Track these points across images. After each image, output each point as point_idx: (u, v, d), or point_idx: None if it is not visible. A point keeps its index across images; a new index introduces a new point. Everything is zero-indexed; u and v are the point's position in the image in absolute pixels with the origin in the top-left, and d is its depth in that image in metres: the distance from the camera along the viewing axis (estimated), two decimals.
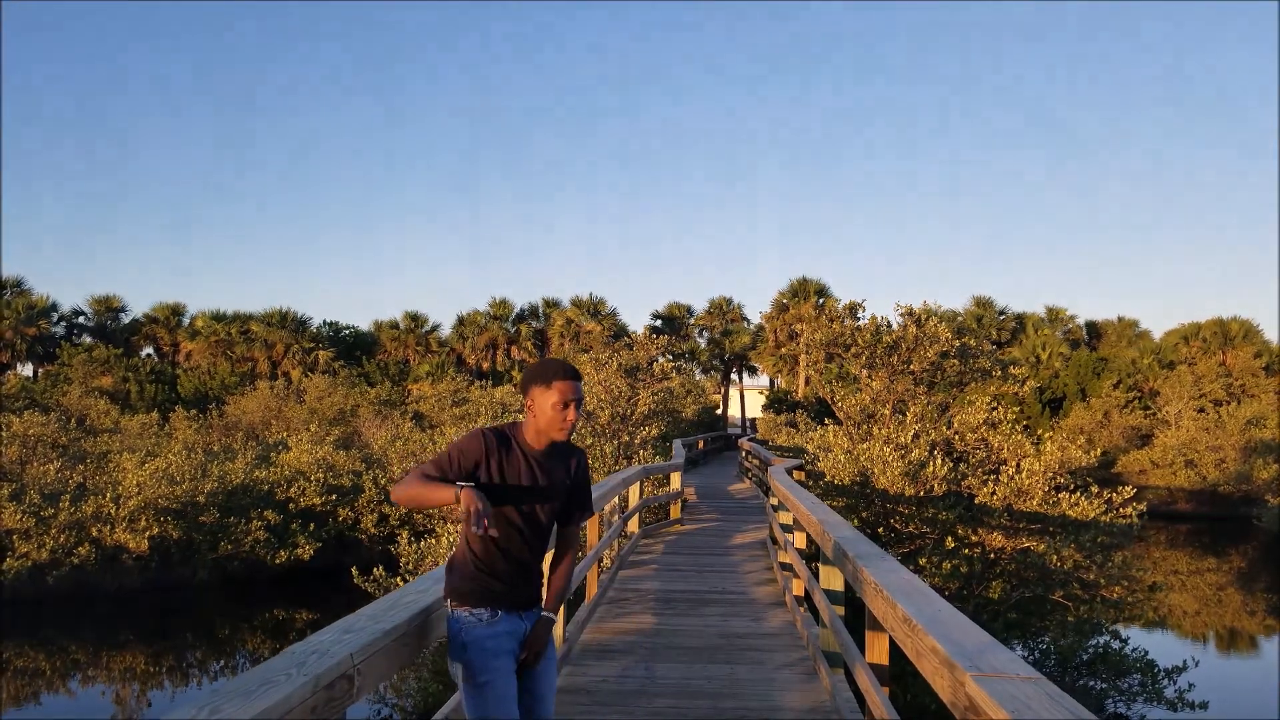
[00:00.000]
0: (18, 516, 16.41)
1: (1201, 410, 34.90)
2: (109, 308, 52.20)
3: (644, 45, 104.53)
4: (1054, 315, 57.06)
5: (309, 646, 2.36)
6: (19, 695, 12.68)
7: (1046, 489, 11.26)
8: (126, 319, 52.68)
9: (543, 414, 2.99)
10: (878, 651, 4.25)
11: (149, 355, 51.25)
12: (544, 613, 3.14)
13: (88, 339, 49.91)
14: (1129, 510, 11.32)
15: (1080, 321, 58.66)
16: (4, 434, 20.91)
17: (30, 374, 48.13)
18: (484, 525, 2.69)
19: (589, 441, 16.76)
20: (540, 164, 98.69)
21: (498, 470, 2.95)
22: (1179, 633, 16.72)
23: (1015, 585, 10.82)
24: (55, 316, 50.32)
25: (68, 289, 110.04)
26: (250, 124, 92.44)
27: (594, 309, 55.84)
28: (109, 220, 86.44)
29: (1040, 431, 13.72)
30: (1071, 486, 11.54)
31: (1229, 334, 47.81)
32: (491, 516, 2.77)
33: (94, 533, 17.11)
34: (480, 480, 2.93)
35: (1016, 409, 14.25)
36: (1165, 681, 9.74)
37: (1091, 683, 10.03)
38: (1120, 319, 58.68)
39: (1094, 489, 11.56)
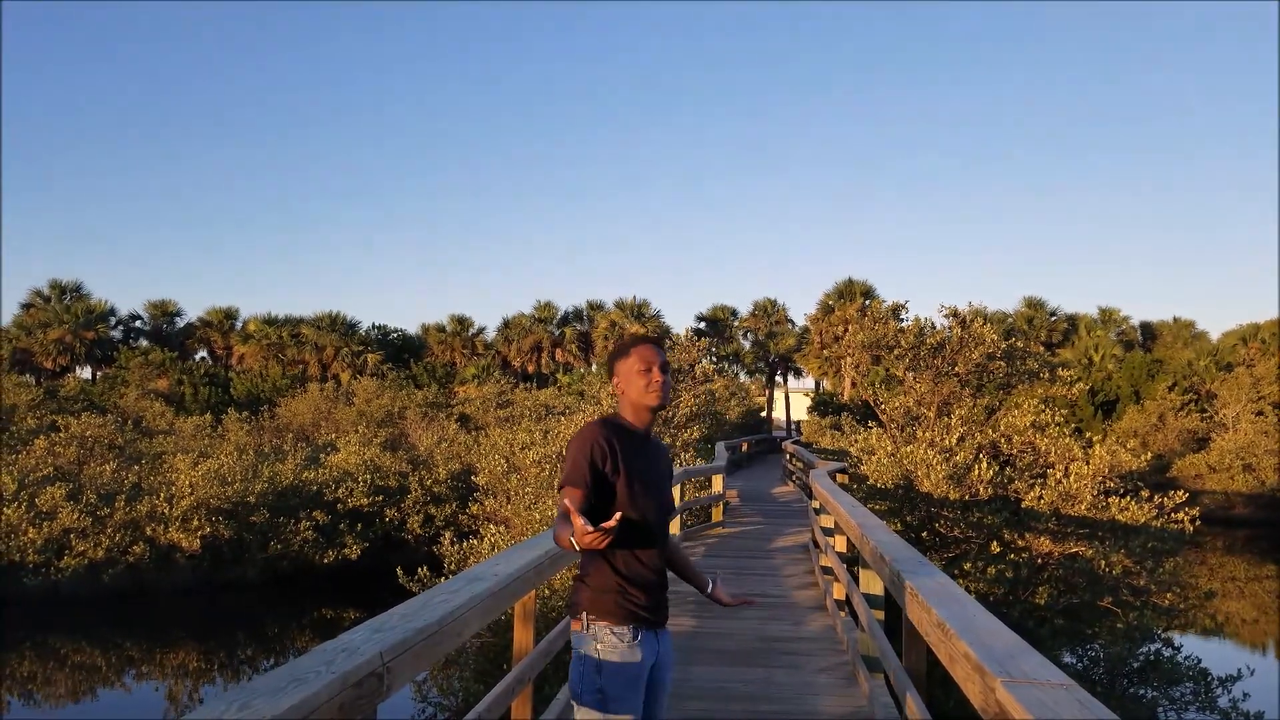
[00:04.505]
0: (75, 516, 16.84)
1: (1260, 413, 33.96)
2: (164, 312, 53.40)
3: (690, 46, 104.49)
4: (1107, 316, 56.01)
5: (339, 644, 2.39)
6: (76, 690, 13.01)
7: (1095, 493, 11.05)
8: (181, 323, 53.89)
9: (631, 384, 2.81)
10: (915, 656, 4.21)
11: (203, 358, 52.35)
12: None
13: (144, 342, 51.10)
14: (1182, 515, 11.06)
15: (1134, 323, 57.59)
16: (63, 435, 21.48)
17: (89, 376, 49.42)
18: (591, 534, 2.29)
19: None
20: (585, 166, 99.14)
21: (623, 460, 2.70)
22: (1236, 641, 16.32)
23: (1063, 591, 10.62)
24: (113, 320, 51.59)
25: (125, 293, 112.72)
26: (297, 129, 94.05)
27: (638, 311, 55.92)
28: (165, 225, 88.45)
29: (1091, 435, 13.46)
30: (1121, 491, 11.31)
31: None
32: (586, 526, 2.34)
33: (148, 532, 17.50)
34: (609, 478, 2.68)
35: (1067, 411, 14.00)
36: (1219, 690, 9.51)
37: (1142, 691, 9.82)
38: (1176, 320, 57.51)
39: (1145, 493, 11.31)
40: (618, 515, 2.34)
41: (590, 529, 2.28)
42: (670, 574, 3.14)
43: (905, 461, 12.17)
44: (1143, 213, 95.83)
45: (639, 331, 53.05)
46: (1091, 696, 2.21)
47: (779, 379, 59.48)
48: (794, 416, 60.08)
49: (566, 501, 2.41)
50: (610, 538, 2.32)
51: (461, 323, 56.70)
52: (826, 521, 9.21)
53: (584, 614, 2.72)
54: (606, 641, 2.67)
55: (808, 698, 5.66)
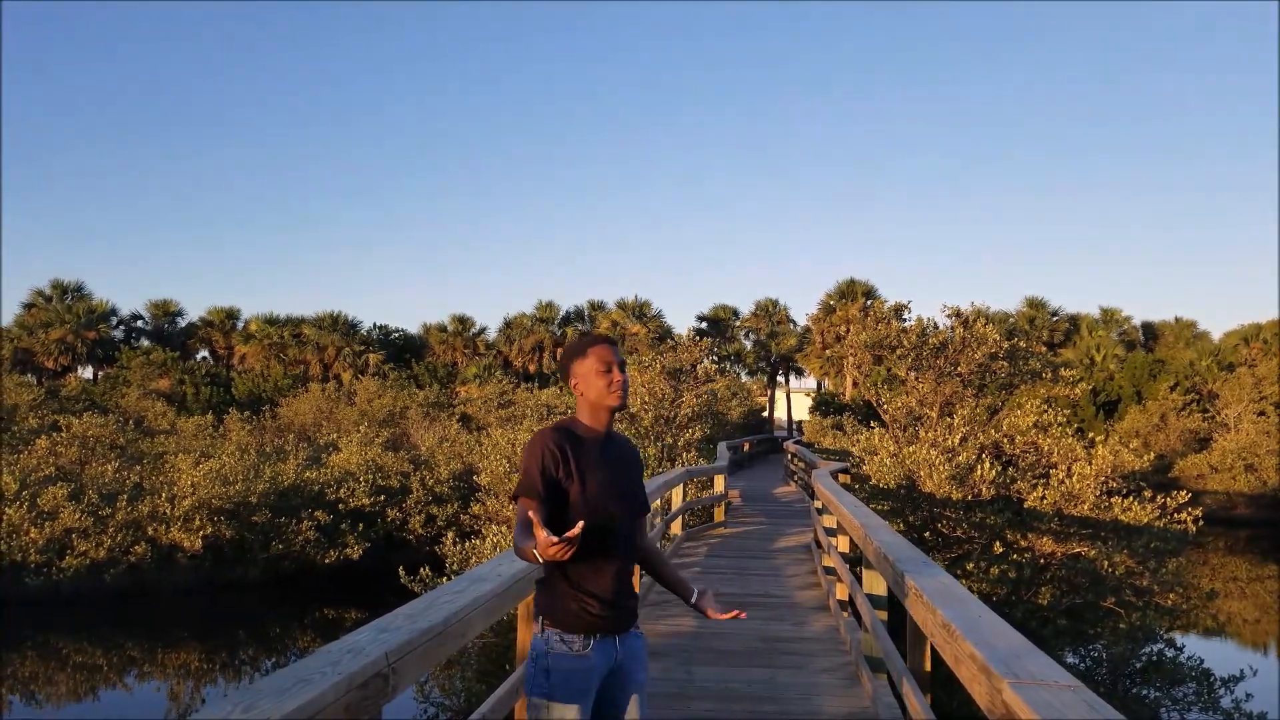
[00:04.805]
0: (76, 516, 16.83)
1: (1262, 413, 33.93)
2: (166, 312, 53.35)
3: (690, 46, 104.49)
4: (1109, 316, 55.90)
5: (344, 645, 2.39)
6: (78, 690, 13.01)
7: (1098, 493, 11.04)
8: (183, 323, 53.82)
9: (590, 385, 2.73)
10: (919, 657, 4.20)
11: (204, 358, 52.29)
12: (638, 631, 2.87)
13: (145, 342, 51.03)
14: (1185, 516, 11.05)
15: (1136, 323, 57.42)
16: (64, 435, 21.49)
17: (90, 376, 49.42)
18: (555, 545, 2.25)
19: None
20: (585, 166, 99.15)
21: (576, 466, 2.64)
22: (1238, 641, 16.30)
23: (1065, 591, 10.61)
24: (114, 320, 51.52)
25: (126, 293, 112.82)
26: (297, 129, 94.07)
27: (639, 311, 55.91)
28: (165, 225, 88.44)
29: (1093, 435, 13.46)
30: (1124, 491, 11.30)
31: None
32: (546, 536, 2.27)
33: (150, 532, 17.49)
34: (564, 485, 2.62)
35: (1069, 411, 13.99)
36: (1221, 691, 9.50)
37: (1145, 691, 9.81)
38: (1178, 320, 57.34)
39: (1147, 493, 11.30)
40: (580, 525, 2.30)
41: (554, 539, 2.24)
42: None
43: (908, 462, 12.16)
44: (1143, 213, 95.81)
45: (640, 332, 53.06)
46: (1098, 698, 2.20)
47: (780, 379, 59.46)
48: (796, 417, 60.08)
49: (530, 513, 2.33)
50: (574, 548, 2.28)
51: (463, 322, 56.66)
52: (829, 521, 9.21)
53: (541, 619, 2.73)
54: (556, 648, 2.67)
55: (811, 698, 5.66)
